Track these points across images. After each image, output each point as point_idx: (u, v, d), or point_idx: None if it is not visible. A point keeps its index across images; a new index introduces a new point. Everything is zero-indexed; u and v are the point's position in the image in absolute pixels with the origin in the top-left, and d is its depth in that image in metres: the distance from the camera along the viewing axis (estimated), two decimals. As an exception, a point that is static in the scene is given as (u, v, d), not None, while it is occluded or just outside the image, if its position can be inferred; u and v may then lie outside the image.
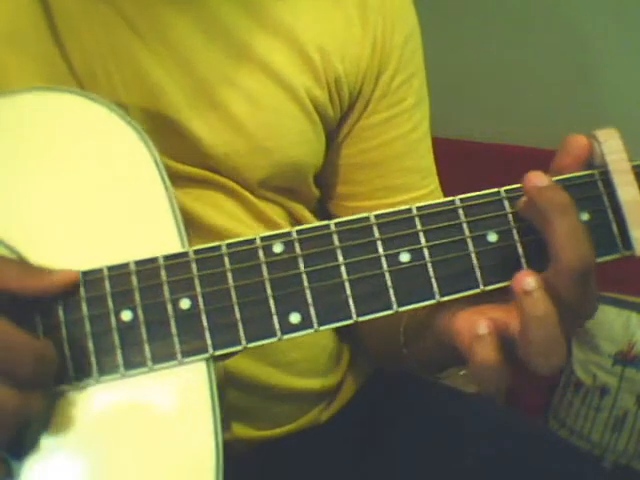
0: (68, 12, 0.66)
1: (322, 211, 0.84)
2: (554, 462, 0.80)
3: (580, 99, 1.67)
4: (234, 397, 0.76)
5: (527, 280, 0.51)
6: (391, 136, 0.80)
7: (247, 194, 0.74)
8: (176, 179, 0.70)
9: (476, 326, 0.53)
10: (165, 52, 0.68)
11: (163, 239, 0.56)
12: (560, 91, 1.73)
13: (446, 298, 0.53)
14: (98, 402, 0.54)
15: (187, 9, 0.69)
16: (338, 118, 0.78)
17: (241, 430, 0.78)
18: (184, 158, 0.71)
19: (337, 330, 0.86)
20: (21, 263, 0.55)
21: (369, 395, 0.88)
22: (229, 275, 0.54)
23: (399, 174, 0.81)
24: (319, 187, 0.82)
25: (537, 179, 0.52)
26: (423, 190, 0.83)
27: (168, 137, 0.69)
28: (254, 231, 0.56)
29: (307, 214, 0.81)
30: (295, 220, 0.80)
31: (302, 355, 0.80)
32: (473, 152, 1.70)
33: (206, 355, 0.53)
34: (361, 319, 0.53)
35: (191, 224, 0.70)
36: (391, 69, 0.78)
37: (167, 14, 0.68)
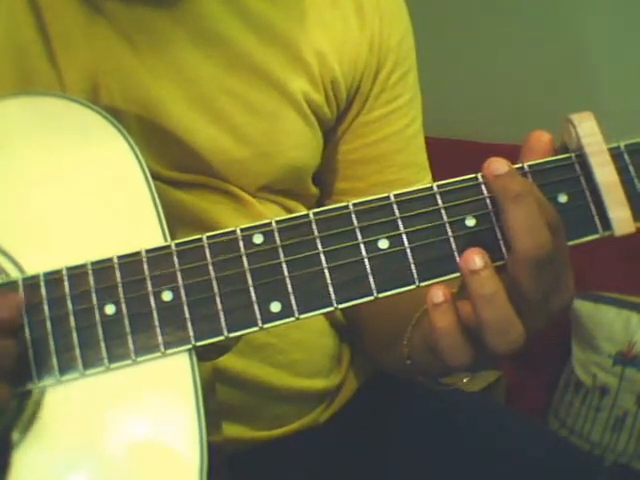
0: (66, 30, 0.67)
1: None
2: (554, 462, 0.80)
3: (573, 98, 1.68)
4: (235, 398, 0.76)
5: (474, 259, 0.52)
6: (388, 132, 0.81)
7: (248, 197, 0.75)
8: (177, 185, 0.71)
9: (433, 295, 0.53)
10: (164, 66, 0.69)
11: (147, 235, 0.56)
12: (554, 90, 1.74)
13: (426, 283, 0.54)
14: (84, 396, 0.54)
15: (184, 22, 0.69)
16: (335, 118, 0.79)
17: (241, 431, 0.78)
18: (185, 167, 0.72)
19: (338, 330, 0.86)
20: None
21: (368, 396, 0.88)
22: (210, 267, 0.54)
23: (395, 169, 0.82)
24: (317, 185, 0.83)
25: (495, 166, 0.53)
26: (418, 184, 0.83)
27: (169, 148, 0.70)
28: None
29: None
30: None
31: (303, 356, 0.80)
32: (467, 151, 1.70)
33: (188, 346, 0.53)
34: (341, 306, 0.53)
35: (193, 225, 0.71)
36: (389, 66, 0.79)
37: (165, 28, 0.69)
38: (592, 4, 1.69)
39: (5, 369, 0.52)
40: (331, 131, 0.80)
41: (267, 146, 0.74)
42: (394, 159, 0.82)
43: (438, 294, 0.53)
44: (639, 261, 1.57)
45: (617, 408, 1.54)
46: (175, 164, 0.71)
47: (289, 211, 0.79)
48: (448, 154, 1.51)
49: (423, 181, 0.84)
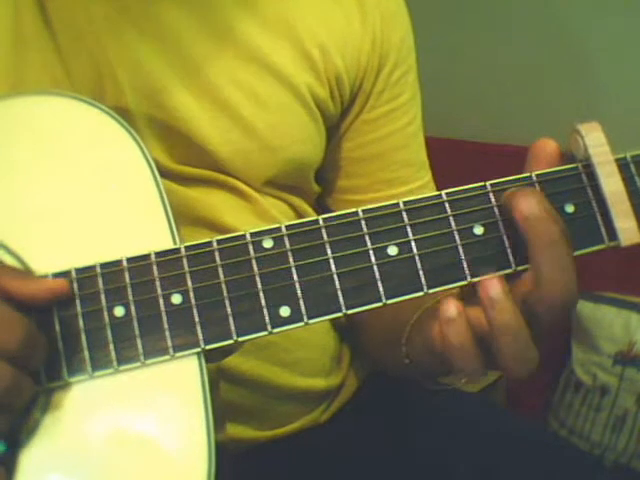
0: (72, 21, 0.67)
1: (321, 207, 0.86)
2: (554, 462, 0.80)
3: (574, 98, 1.68)
4: (238, 397, 0.76)
5: (494, 287, 0.52)
6: (389, 130, 0.82)
7: (252, 192, 0.76)
8: (183, 180, 0.71)
9: (445, 310, 0.54)
10: (172, 56, 0.69)
11: (155, 236, 0.57)
12: (554, 90, 1.74)
13: (434, 290, 0.54)
14: (92, 397, 0.54)
15: (193, 12, 0.70)
16: (339, 114, 0.80)
17: (243, 430, 0.79)
18: (191, 160, 0.72)
19: (338, 330, 0.86)
20: (14, 268, 0.55)
21: (368, 396, 0.88)
22: (220, 270, 0.54)
23: (397, 166, 0.83)
24: (319, 183, 0.84)
25: (527, 207, 0.52)
26: (418, 182, 0.85)
27: (176, 140, 0.70)
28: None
29: (309, 209, 0.83)
30: (298, 215, 0.81)
31: (305, 354, 0.81)
32: (467, 151, 1.70)
33: (198, 349, 0.54)
34: (350, 312, 0.54)
35: (199, 222, 0.71)
36: (390, 64, 0.80)
37: (173, 17, 0.69)
38: (593, 3, 1.69)
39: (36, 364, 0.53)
40: (334, 128, 0.81)
41: (273, 139, 0.74)
42: (395, 157, 0.83)
43: (451, 309, 0.53)
44: (639, 261, 1.57)
45: (617, 408, 1.54)
46: (182, 157, 0.71)
47: (293, 207, 0.80)
48: (448, 154, 1.51)
49: (423, 179, 0.86)
